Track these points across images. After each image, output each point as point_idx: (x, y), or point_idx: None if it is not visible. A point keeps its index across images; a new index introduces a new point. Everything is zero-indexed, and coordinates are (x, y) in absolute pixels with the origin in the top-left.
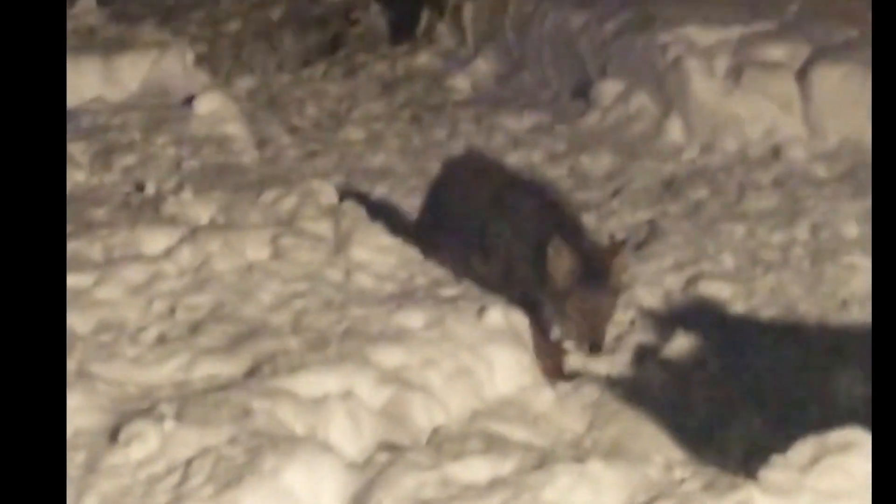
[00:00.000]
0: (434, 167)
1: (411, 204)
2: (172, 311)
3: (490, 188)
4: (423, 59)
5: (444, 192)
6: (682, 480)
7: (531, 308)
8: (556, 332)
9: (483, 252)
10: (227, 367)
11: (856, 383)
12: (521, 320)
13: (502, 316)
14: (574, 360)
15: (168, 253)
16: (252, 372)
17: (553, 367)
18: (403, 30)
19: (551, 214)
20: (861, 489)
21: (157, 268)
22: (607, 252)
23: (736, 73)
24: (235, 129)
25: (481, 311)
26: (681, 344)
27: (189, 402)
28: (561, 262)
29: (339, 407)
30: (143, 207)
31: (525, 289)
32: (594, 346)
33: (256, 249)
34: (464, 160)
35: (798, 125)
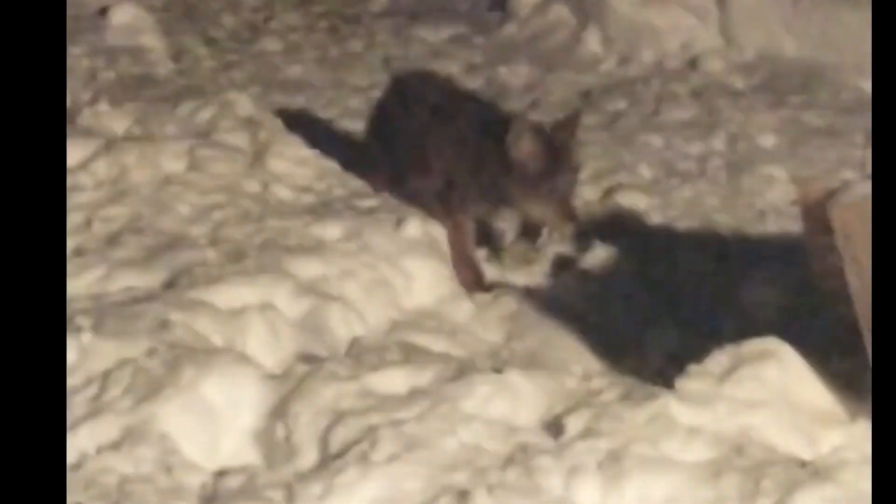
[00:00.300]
0: (351, 78)
1: (329, 115)
2: (89, 223)
3: (430, 102)
4: None
5: (387, 110)
6: (600, 391)
7: (452, 217)
8: (508, 226)
9: (423, 166)
10: (145, 280)
11: (771, 294)
12: (439, 232)
13: (420, 227)
14: (491, 271)
15: (84, 165)
16: (170, 284)
17: (472, 279)
18: None
19: (491, 118)
20: (776, 397)
21: (72, 180)
22: (564, 127)
23: None
24: (151, 40)
25: (399, 222)
26: (598, 255)
27: (106, 314)
28: (525, 143)
29: (257, 318)
30: None
31: (476, 189)
32: (572, 219)
33: (173, 161)
34: (407, 78)
35: (715, 37)
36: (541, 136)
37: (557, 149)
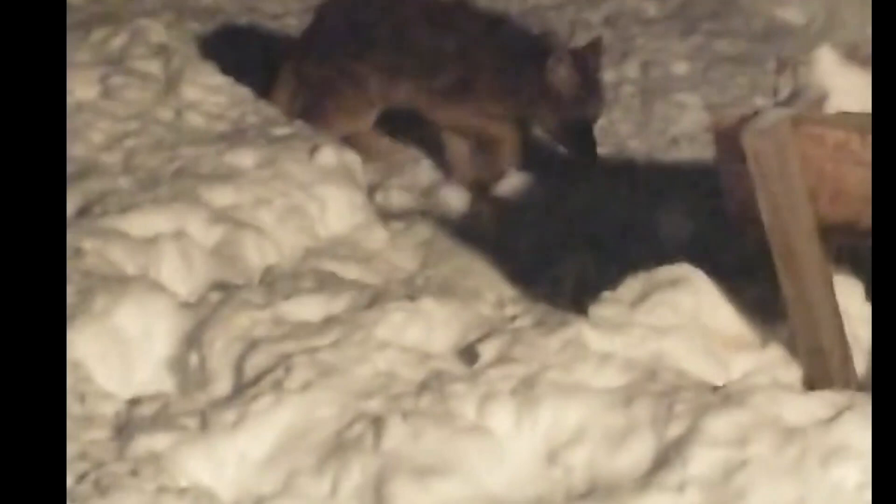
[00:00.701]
0: (266, 5)
1: (241, 41)
2: None
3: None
4: None
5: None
6: (514, 317)
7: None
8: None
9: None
10: None
11: (684, 220)
12: (353, 158)
13: (335, 155)
14: (404, 199)
15: None
16: (82, 212)
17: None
18: None
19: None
20: (688, 323)
21: None
22: (591, 54)
23: None
24: None
25: (314, 149)
26: (512, 182)
27: None
28: (565, 73)
29: (170, 246)
30: None
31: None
32: (594, 157)
33: (85, 88)
34: None
35: None
36: (579, 62)
37: (590, 77)
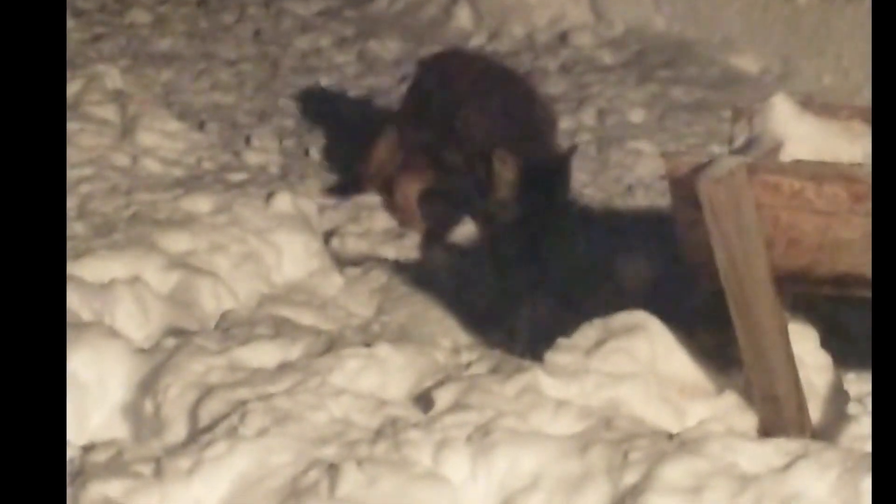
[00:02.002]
0: (221, 51)
1: (199, 88)
2: None
3: (468, 77)
4: None
5: (425, 83)
6: (469, 364)
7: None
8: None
9: (456, 141)
10: None
11: (640, 267)
12: (308, 206)
13: (290, 201)
14: (360, 245)
15: None
16: None
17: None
18: None
19: (519, 107)
20: (644, 370)
21: None
22: (554, 161)
23: None
24: None
25: (269, 196)
26: (468, 229)
27: None
28: (505, 173)
29: (125, 292)
30: None
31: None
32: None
33: None
34: (446, 53)
35: (585, 12)
36: (519, 170)
37: (538, 185)
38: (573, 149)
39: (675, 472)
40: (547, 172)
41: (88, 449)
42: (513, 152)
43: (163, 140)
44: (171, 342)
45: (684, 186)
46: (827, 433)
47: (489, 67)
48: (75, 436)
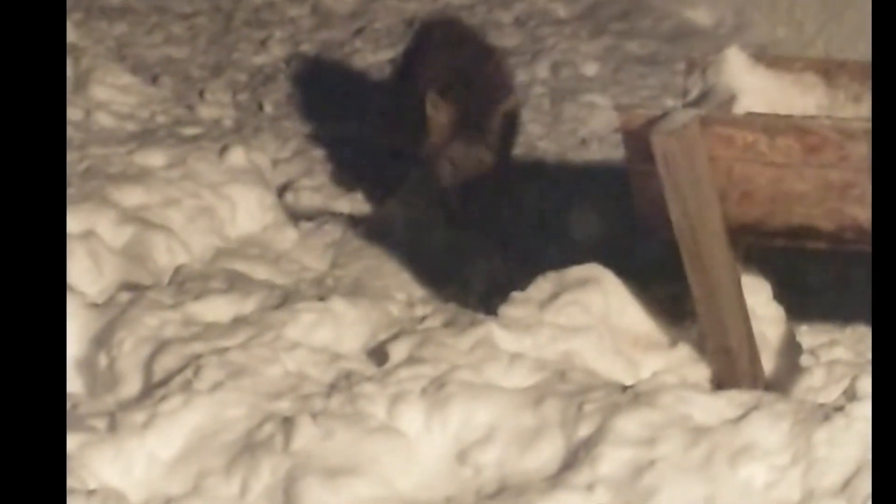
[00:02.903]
0: (175, 5)
1: (152, 42)
2: None
3: (436, 40)
4: None
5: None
6: (424, 317)
7: None
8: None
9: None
10: None
11: (593, 221)
12: (262, 159)
13: (244, 155)
14: (315, 199)
15: None
16: None
17: None
18: None
19: (467, 62)
20: (598, 323)
21: None
22: (492, 104)
23: None
24: None
25: (223, 150)
26: (421, 181)
27: None
28: (437, 115)
29: (79, 247)
30: None
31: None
32: (463, 204)
33: None
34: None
35: None
36: (454, 112)
37: (473, 127)
38: (515, 104)
39: (629, 423)
40: (483, 120)
41: None
42: (447, 97)
43: (116, 94)
44: (124, 296)
45: (638, 139)
46: (779, 385)
47: (460, 31)
48: None
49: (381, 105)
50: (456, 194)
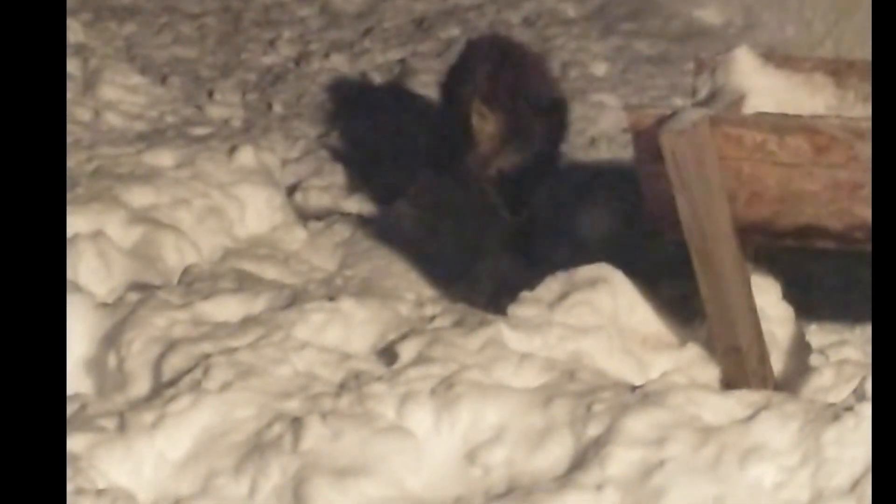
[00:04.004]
0: (184, 4)
1: (161, 42)
2: None
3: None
4: None
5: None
6: (433, 317)
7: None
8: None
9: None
10: None
11: (603, 220)
12: (271, 159)
13: (253, 155)
14: (323, 199)
15: None
16: None
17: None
18: None
19: (512, 71)
20: (607, 323)
21: None
22: (537, 112)
23: None
24: None
25: (232, 150)
26: (430, 182)
27: None
28: (483, 125)
29: (88, 247)
30: None
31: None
32: (514, 210)
33: None
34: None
35: None
36: (499, 119)
37: (520, 134)
38: (562, 110)
39: (638, 423)
40: (530, 128)
41: None
42: (492, 106)
43: (125, 94)
44: (134, 296)
45: (647, 139)
46: (789, 385)
47: (503, 45)
48: None
49: (388, 106)
50: (505, 202)
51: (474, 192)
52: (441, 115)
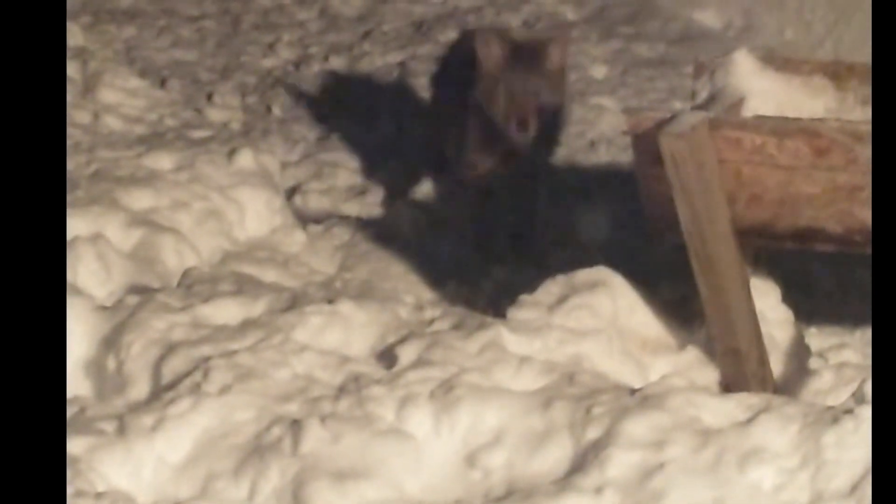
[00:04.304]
0: (182, 8)
1: (160, 45)
2: None
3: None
4: None
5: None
6: (432, 320)
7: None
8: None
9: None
10: None
11: (602, 223)
12: (271, 162)
13: (253, 158)
14: (322, 201)
15: None
16: None
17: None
18: None
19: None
20: (606, 326)
21: None
22: (543, 40)
23: None
24: None
25: (232, 152)
26: (429, 184)
27: None
28: (490, 51)
29: (87, 250)
30: None
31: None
32: (521, 125)
33: None
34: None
35: None
36: (505, 44)
37: (526, 58)
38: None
39: (638, 426)
40: (536, 52)
41: None
42: (496, 34)
43: (124, 97)
44: (133, 299)
45: (647, 142)
46: (788, 387)
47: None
48: None
49: (388, 109)
50: (513, 129)
51: (465, 172)
52: (433, 106)
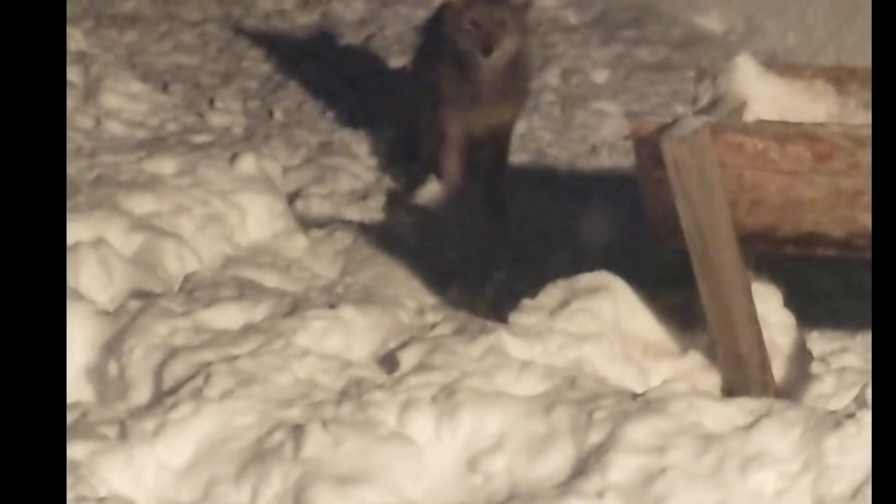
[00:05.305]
0: (184, 12)
1: (162, 49)
2: None
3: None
4: None
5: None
6: (434, 325)
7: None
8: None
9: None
10: None
11: (604, 227)
12: (272, 167)
13: (254, 162)
14: (325, 207)
15: None
16: None
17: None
18: None
19: None
20: (608, 330)
21: None
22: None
23: None
24: None
25: (233, 157)
26: (431, 189)
27: None
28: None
29: (89, 255)
30: None
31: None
32: (485, 48)
33: None
34: None
35: None
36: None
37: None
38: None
39: (640, 431)
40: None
41: None
42: None
43: (126, 102)
44: (135, 304)
45: (648, 146)
46: (790, 392)
47: None
48: None
49: (389, 113)
50: (476, 43)
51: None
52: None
